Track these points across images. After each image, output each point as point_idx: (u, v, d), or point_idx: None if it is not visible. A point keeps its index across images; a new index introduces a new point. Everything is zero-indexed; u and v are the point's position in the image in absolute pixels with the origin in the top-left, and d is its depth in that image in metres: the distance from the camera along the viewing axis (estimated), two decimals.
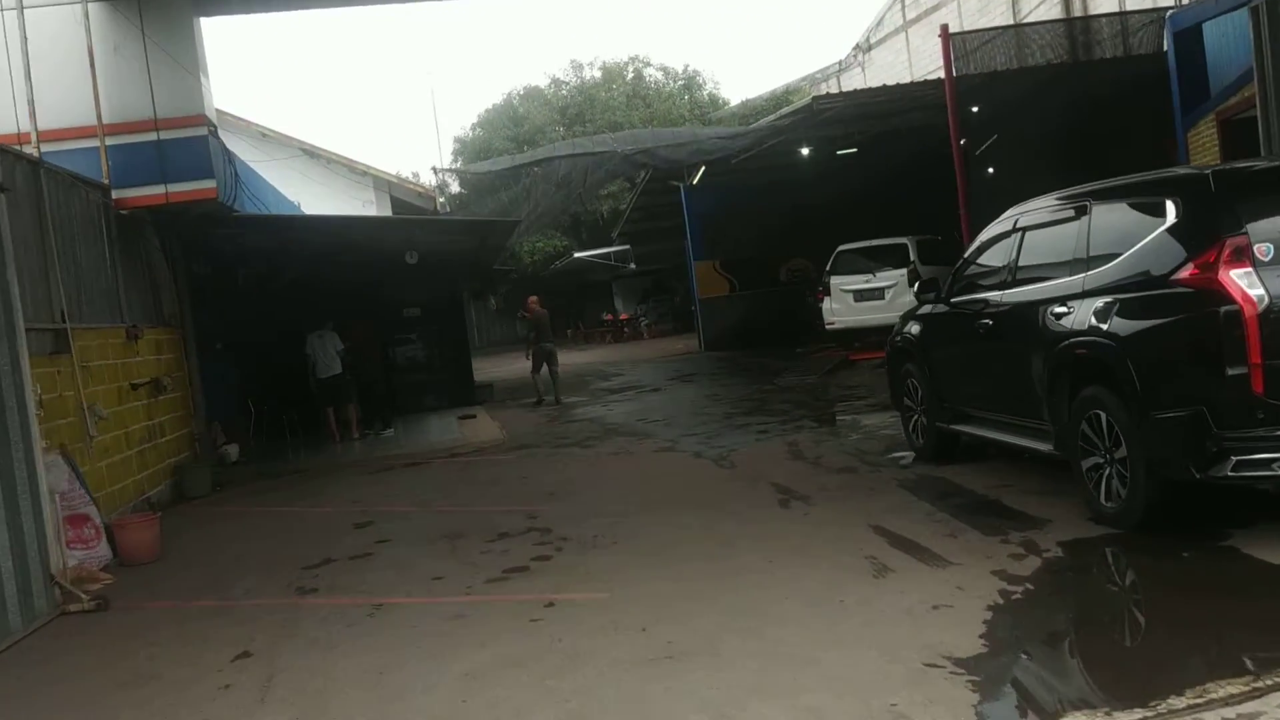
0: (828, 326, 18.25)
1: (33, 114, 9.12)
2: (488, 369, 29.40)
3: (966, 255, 8.11)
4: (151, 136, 11.12)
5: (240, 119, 24.45)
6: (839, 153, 24.12)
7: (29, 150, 9.30)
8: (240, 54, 74.01)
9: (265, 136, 24.47)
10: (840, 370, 16.99)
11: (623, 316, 41.48)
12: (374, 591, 6.61)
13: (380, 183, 25.56)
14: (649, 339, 37.28)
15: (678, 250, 31.78)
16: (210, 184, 11.27)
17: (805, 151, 22.27)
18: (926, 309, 8.56)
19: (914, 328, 8.77)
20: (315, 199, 22.41)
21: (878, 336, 18.69)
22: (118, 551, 8.31)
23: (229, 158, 12.18)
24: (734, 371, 20.12)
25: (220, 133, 22.44)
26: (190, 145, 11.23)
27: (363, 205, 24.51)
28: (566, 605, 5.82)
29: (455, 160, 46.45)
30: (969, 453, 8.40)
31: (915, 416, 8.85)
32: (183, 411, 12.27)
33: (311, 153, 24.91)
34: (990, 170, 26.23)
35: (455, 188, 45.57)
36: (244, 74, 75.75)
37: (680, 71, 44.77)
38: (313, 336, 14.96)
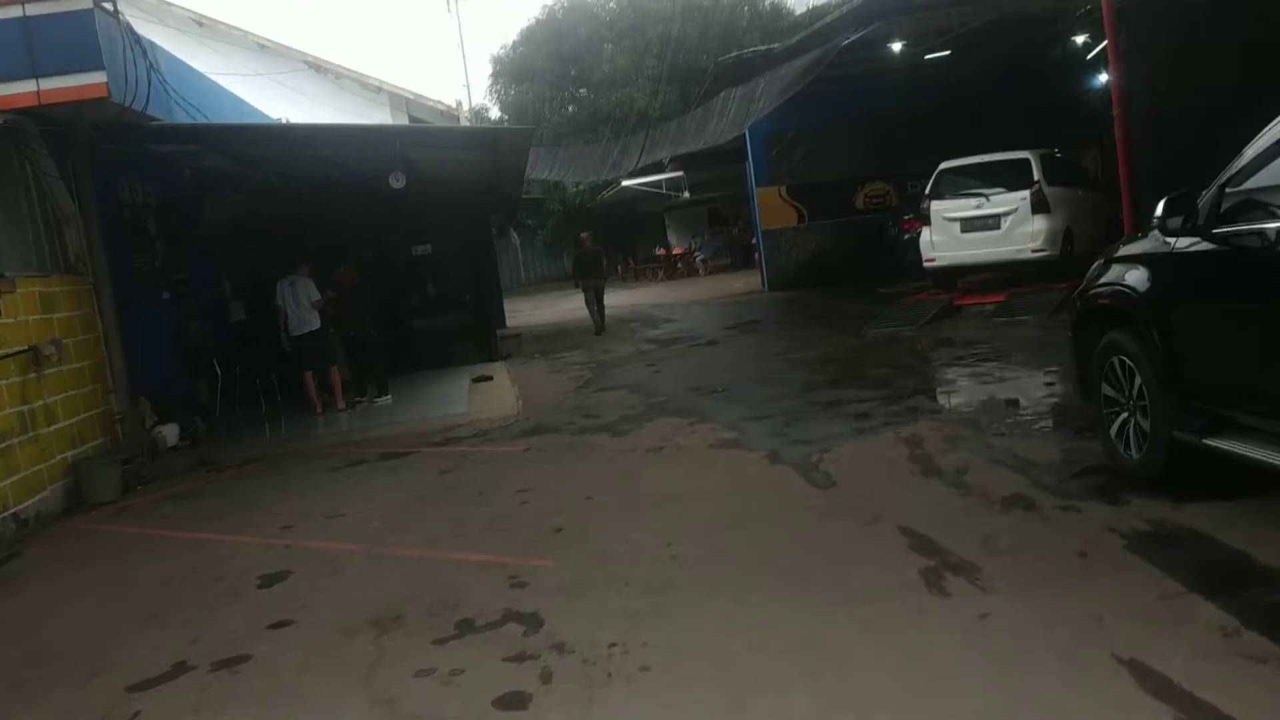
0: (926, 264, 14.78)
1: None
2: (526, 311, 26.44)
3: (1246, 162, 4.73)
4: (15, 12, 8.06)
5: (235, 28, 21.37)
6: (927, 57, 20.47)
7: None
8: None
9: (264, 48, 21.38)
10: (943, 319, 13.63)
11: (676, 251, 38.02)
12: None
13: (398, 100, 22.40)
14: (705, 276, 33.93)
15: (737, 176, 28.36)
16: (98, 78, 8.17)
17: (891, 51, 18.61)
18: (1159, 245, 5.23)
19: (1133, 275, 5.43)
20: (323, 120, 19.32)
21: (988, 275, 15.34)
22: None
23: (139, 46, 9.05)
24: (807, 318, 16.82)
25: (211, 43, 19.46)
26: (70, 24, 8.13)
27: None
28: None
29: (494, 84, 43.06)
30: (1212, 479, 5.14)
31: (1126, 417, 5.58)
32: (91, 386, 9.33)
33: (318, 66, 21.77)
34: (1103, 76, 22.41)
35: (495, 112, 42.31)
36: None
37: None
38: (282, 284, 11.93)
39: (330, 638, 4.82)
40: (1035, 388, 8.82)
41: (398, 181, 10.62)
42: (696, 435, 8.42)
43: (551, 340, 18.49)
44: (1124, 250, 5.80)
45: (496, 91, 42.83)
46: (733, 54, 22.23)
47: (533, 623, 4.63)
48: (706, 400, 10.08)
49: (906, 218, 19.92)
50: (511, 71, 40.82)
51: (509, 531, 6.26)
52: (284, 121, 15.91)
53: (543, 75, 39.33)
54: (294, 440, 10.71)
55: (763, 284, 23.44)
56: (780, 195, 22.64)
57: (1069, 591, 4.22)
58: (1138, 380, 5.41)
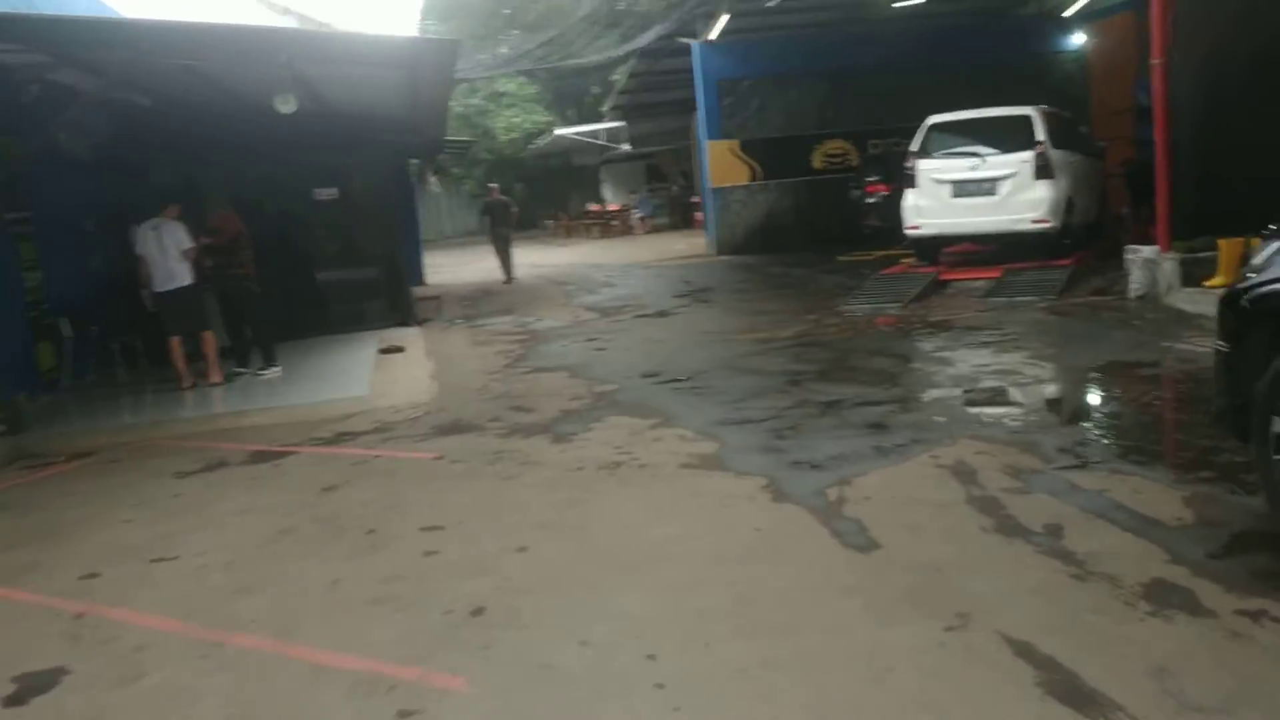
0: (909, 231, 12.90)
1: None
2: (449, 267, 24.17)
3: None
4: None
5: None
6: (896, 4, 18.69)
7: None
8: None
9: None
10: (930, 296, 11.84)
11: (612, 208, 35.81)
12: None
13: (309, 25, 19.91)
14: (642, 234, 31.84)
15: (681, 130, 26.49)
16: None
17: None
18: None
19: None
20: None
21: (970, 246, 13.63)
22: None
23: None
24: (767, 287, 14.93)
25: None
26: None
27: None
28: None
29: (424, 20, 40.30)
30: None
31: None
32: None
33: None
34: (1084, 38, 20.77)
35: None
36: None
37: None
38: (144, 229, 9.68)
39: None
40: (1085, 392, 7.07)
41: (286, 105, 8.40)
42: (663, 445, 6.48)
43: (477, 303, 16.37)
44: None
45: (426, 29, 40.13)
46: None
47: None
48: (668, 392, 8.14)
49: (870, 179, 18.15)
50: (440, 7, 38.18)
51: (405, 606, 4.27)
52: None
53: (473, 10, 36.81)
54: (148, 425, 8.55)
55: (709, 246, 21.51)
56: (732, 151, 20.63)
57: None
58: None
